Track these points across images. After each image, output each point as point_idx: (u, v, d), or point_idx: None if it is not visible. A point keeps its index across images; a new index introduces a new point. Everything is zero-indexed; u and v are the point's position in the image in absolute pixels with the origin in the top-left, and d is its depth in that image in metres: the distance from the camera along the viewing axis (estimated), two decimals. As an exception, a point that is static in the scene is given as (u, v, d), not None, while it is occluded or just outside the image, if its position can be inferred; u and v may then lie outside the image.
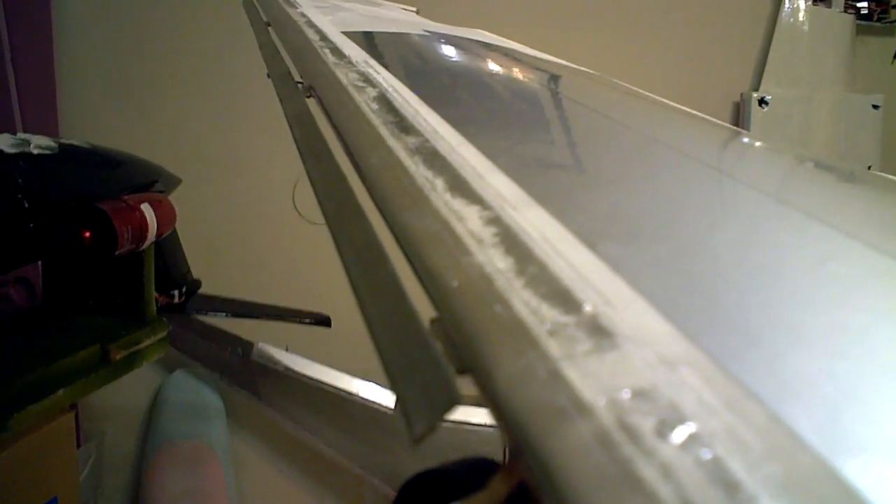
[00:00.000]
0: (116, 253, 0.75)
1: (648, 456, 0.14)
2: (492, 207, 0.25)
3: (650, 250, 0.25)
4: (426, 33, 0.74)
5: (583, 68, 0.73)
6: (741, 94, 1.91)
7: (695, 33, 1.89)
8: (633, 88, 0.64)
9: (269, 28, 0.65)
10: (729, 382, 0.17)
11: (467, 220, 0.24)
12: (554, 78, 0.69)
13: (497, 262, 0.21)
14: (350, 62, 0.47)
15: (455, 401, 0.17)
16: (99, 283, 0.87)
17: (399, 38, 0.70)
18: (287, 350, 1.45)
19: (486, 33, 0.87)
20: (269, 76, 0.53)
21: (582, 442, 0.15)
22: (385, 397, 1.31)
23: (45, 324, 0.83)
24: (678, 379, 0.17)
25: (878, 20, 2.01)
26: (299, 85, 0.45)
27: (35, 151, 0.70)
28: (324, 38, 0.55)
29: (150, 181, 0.89)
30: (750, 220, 0.31)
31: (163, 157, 0.96)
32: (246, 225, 1.71)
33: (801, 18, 1.91)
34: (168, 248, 1.00)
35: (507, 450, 0.17)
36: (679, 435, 0.15)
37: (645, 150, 0.43)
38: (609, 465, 0.14)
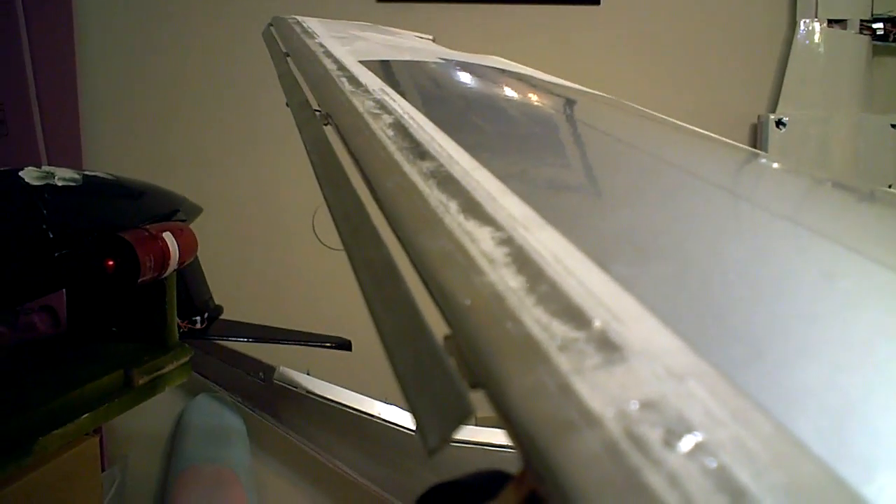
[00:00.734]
0: (139, 281, 0.76)
1: (656, 465, 0.15)
2: (504, 228, 0.25)
3: (659, 268, 0.25)
4: (441, 61, 0.75)
5: (597, 92, 0.74)
6: (758, 116, 1.91)
7: (711, 56, 1.89)
8: (648, 111, 0.65)
9: (288, 58, 0.67)
10: (735, 394, 0.17)
11: (480, 241, 0.24)
12: (568, 102, 0.70)
13: (509, 281, 0.22)
14: (366, 90, 0.48)
15: (468, 414, 0.18)
16: (122, 311, 0.88)
17: (415, 66, 0.71)
18: (308, 374, 1.46)
19: (502, 59, 0.88)
20: (287, 105, 0.54)
21: (591, 452, 0.15)
22: (405, 419, 1.31)
23: (70, 350, 0.85)
24: (685, 391, 0.17)
25: (895, 41, 2.00)
26: (317, 113, 0.46)
27: (59, 183, 0.72)
28: (341, 67, 0.56)
29: (171, 210, 0.91)
30: (758, 238, 0.31)
31: (184, 187, 0.97)
32: (267, 252, 1.73)
33: (816, 40, 1.91)
34: (190, 275, 1.02)
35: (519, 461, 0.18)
36: (686, 444, 0.15)
37: (656, 171, 0.44)
38: (617, 473, 0.15)
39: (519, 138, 0.49)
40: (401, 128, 0.38)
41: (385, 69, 0.64)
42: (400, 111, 0.42)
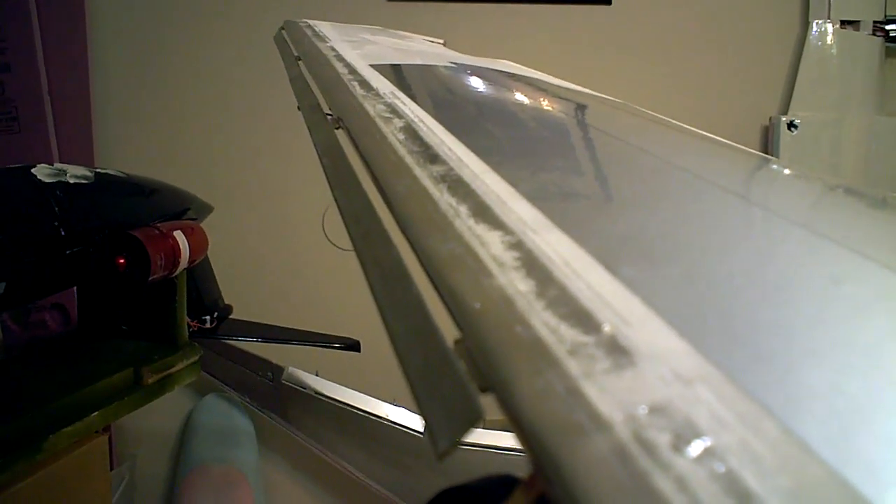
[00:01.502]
0: (149, 279, 0.77)
1: (664, 469, 0.15)
2: (514, 232, 0.26)
3: (668, 272, 0.25)
4: (452, 65, 0.75)
5: (607, 96, 0.74)
6: (770, 118, 1.90)
7: (723, 57, 1.88)
8: (658, 115, 0.65)
9: (300, 62, 0.67)
10: (742, 398, 0.17)
11: (490, 245, 0.25)
12: (577, 107, 0.70)
13: (518, 285, 0.22)
14: (377, 94, 0.48)
15: (478, 417, 0.18)
16: (132, 309, 0.89)
17: (425, 70, 0.72)
18: (317, 374, 1.46)
19: (512, 63, 0.88)
20: (299, 108, 0.54)
21: (599, 456, 0.15)
22: (414, 421, 1.31)
23: (80, 348, 0.85)
24: (693, 395, 0.17)
25: (908, 43, 1.99)
26: (328, 116, 0.46)
27: (71, 181, 0.72)
28: (352, 71, 0.56)
29: (182, 209, 0.91)
30: (766, 242, 0.31)
31: (195, 186, 0.98)
32: (277, 252, 1.73)
33: (829, 42, 1.90)
34: (200, 274, 1.02)
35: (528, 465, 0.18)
36: (694, 449, 0.15)
37: (666, 176, 0.44)
38: (626, 477, 0.15)
39: (528, 142, 0.49)
40: (411, 131, 0.39)
41: (396, 73, 0.64)
42: (411, 115, 0.42)
